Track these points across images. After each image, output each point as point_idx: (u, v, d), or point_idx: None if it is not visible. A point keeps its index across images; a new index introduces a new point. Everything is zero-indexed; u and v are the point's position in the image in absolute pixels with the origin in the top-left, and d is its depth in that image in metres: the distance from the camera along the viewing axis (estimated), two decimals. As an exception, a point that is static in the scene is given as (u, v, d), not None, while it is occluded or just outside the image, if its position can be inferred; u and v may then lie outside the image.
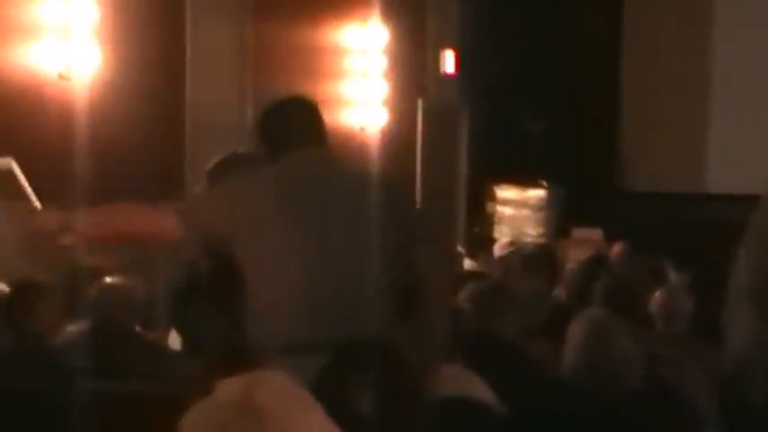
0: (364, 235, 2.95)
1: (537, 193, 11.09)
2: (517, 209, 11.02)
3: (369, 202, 2.98)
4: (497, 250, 8.58)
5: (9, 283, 4.75)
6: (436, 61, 10.96)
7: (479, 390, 3.24)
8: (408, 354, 2.25)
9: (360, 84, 9.48)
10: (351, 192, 3.02)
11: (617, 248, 7.75)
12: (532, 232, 10.71)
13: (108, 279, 4.46)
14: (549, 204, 11.00)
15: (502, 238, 9.50)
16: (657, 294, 4.46)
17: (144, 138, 6.43)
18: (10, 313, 4.00)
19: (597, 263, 6.52)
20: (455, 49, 11.16)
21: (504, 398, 3.21)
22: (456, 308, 3.51)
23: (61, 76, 5.87)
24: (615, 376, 3.13)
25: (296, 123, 3.10)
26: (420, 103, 10.68)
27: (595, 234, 9.83)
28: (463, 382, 3.15)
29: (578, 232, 10.17)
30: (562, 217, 11.07)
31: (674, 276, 6.68)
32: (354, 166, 3.44)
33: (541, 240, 10.09)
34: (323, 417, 1.42)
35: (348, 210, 2.98)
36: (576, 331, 3.22)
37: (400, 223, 3.04)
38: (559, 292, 6.00)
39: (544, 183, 11.09)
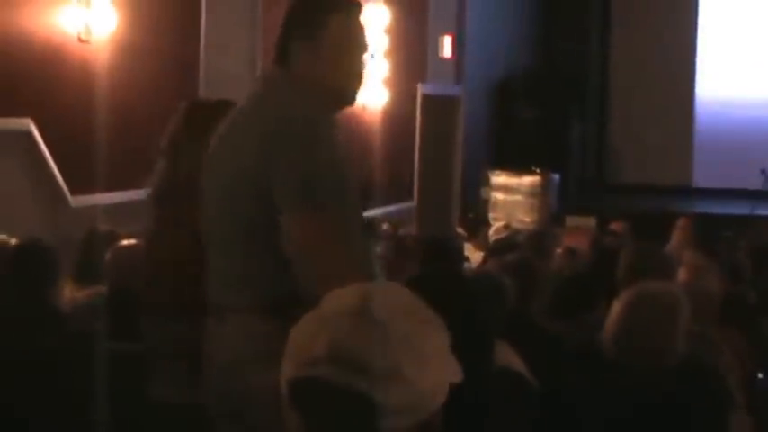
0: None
1: (530, 180, 11.13)
2: (510, 194, 11.04)
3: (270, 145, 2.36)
4: (493, 233, 8.65)
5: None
6: (435, 45, 10.96)
7: (518, 364, 3.26)
8: None
9: (362, 62, 9.45)
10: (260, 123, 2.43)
11: (616, 225, 7.71)
12: (526, 218, 10.74)
13: (124, 243, 4.40)
14: (543, 191, 11.02)
15: (495, 222, 9.53)
16: (681, 272, 4.16)
17: (158, 99, 6.40)
18: (14, 272, 3.93)
19: (600, 247, 6.49)
20: (453, 34, 11.16)
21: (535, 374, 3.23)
22: (500, 282, 3.51)
23: (80, 39, 5.84)
24: (655, 351, 2.97)
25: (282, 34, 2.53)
26: (420, 86, 10.67)
27: (589, 222, 9.84)
28: (506, 355, 3.17)
29: (572, 220, 10.20)
30: (555, 204, 11.13)
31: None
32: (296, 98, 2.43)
33: (534, 226, 10.13)
34: (443, 329, 1.32)
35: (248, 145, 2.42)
36: (622, 302, 2.99)
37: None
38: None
39: (537, 170, 11.12)
